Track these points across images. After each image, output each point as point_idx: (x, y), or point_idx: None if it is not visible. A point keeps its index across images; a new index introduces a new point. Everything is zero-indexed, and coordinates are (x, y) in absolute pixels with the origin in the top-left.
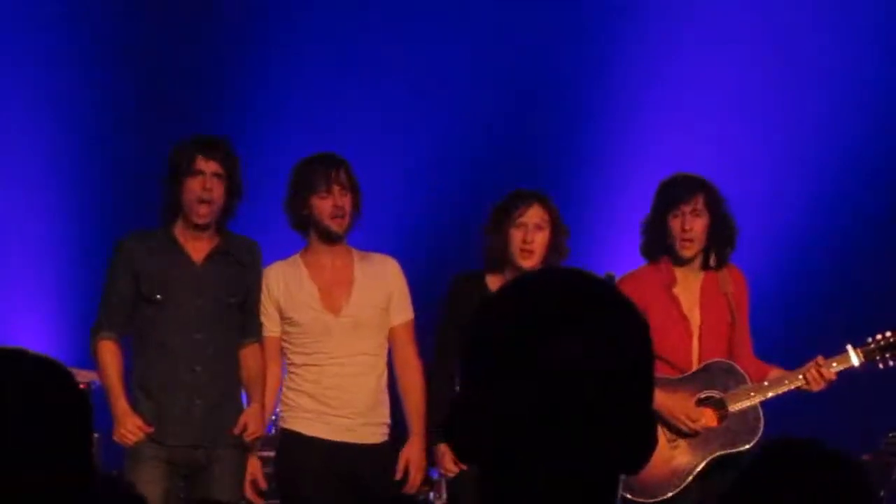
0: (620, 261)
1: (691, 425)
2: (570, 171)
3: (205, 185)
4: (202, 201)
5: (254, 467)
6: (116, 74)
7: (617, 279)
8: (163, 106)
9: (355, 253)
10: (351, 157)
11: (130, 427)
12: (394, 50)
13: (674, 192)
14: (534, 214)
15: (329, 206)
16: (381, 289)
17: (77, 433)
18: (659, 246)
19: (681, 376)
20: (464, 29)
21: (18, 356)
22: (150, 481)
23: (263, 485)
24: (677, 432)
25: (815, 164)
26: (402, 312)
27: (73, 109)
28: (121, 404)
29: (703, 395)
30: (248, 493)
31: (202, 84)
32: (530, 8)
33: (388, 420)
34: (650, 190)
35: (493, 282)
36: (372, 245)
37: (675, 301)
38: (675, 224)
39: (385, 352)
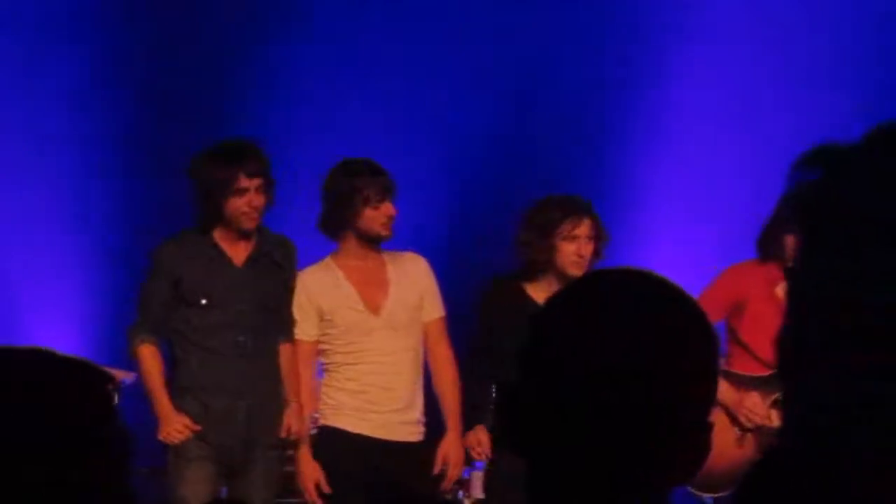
0: (640, 262)
1: (753, 418)
2: (587, 172)
3: (251, 202)
4: (248, 215)
5: (316, 471)
6: (142, 79)
7: (724, 268)
8: (188, 109)
9: (385, 253)
10: (368, 156)
11: (178, 426)
12: (410, 48)
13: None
14: (586, 227)
15: (382, 216)
16: (414, 287)
17: (105, 435)
18: (772, 250)
19: (760, 375)
20: (481, 28)
21: (43, 357)
22: (199, 481)
23: (327, 488)
24: (742, 427)
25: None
26: (435, 309)
27: (101, 113)
28: (165, 405)
29: (780, 397)
30: (313, 496)
31: (228, 85)
32: (547, 8)
33: (423, 418)
34: (665, 187)
35: (533, 289)
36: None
37: (775, 300)
38: (789, 240)
39: (421, 350)
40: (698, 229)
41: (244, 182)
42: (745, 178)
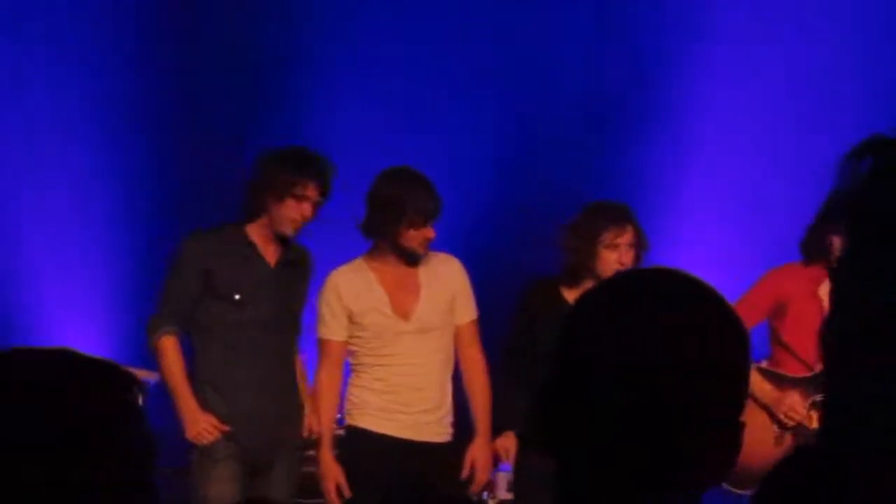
0: (658, 263)
1: (792, 416)
2: (588, 172)
3: (304, 212)
4: (297, 223)
5: (337, 473)
6: (163, 81)
7: (767, 270)
8: (202, 110)
9: None
10: (368, 156)
11: (206, 426)
12: (410, 48)
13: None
14: (629, 236)
15: (422, 237)
16: (446, 290)
17: (126, 436)
18: (816, 252)
19: (801, 377)
20: (481, 29)
21: (62, 358)
22: (225, 480)
23: (348, 493)
24: (781, 425)
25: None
26: (467, 312)
27: (127, 111)
28: (191, 403)
29: (819, 398)
30: (333, 498)
31: (230, 86)
32: (548, 7)
33: (451, 419)
34: (672, 188)
35: (570, 293)
36: None
37: (817, 300)
38: (834, 241)
39: (452, 350)
40: (719, 231)
41: (310, 192)
42: (772, 180)
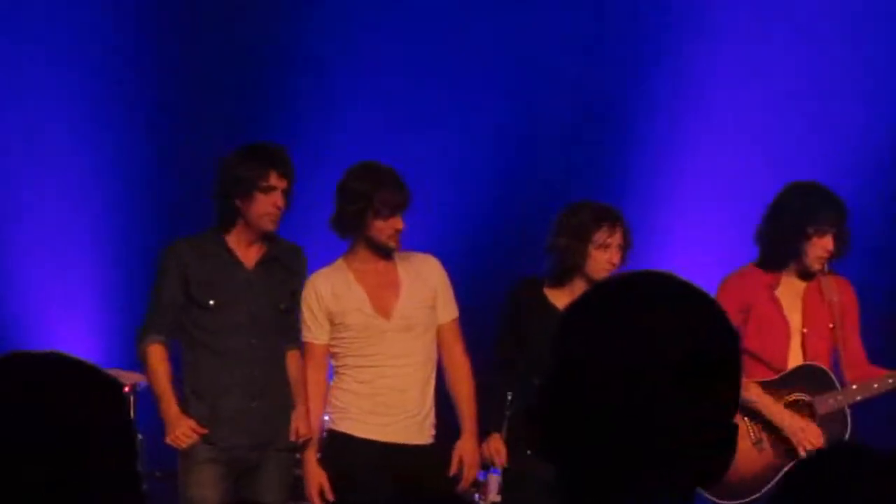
0: (658, 263)
1: (813, 441)
2: (589, 171)
3: (276, 202)
4: (272, 216)
5: (320, 477)
6: (167, 78)
7: (724, 277)
8: (206, 112)
9: (396, 254)
10: (367, 156)
11: (185, 430)
12: (410, 48)
13: (821, 211)
14: (618, 237)
15: (391, 228)
16: (426, 288)
17: (114, 439)
18: (786, 256)
19: (770, 379)
20: (481, 28)
21: (55, 360)
22: (208, 484)
23: (331, 496)
24: (763, 429)
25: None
26: (448, 310)
27: (127, 111)
28: (172, 408)
29: (791, 398)
30: (317, 501)
31: (232, 87)
32: (549, 7)
33: (433, 421)
34: (670, 190)
35: (554, 295)
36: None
37: (776, 302)
38: (817, 242)
39: (435, 350)
40: (717, 231)
41: (274, 181)
42: (772, 180)
